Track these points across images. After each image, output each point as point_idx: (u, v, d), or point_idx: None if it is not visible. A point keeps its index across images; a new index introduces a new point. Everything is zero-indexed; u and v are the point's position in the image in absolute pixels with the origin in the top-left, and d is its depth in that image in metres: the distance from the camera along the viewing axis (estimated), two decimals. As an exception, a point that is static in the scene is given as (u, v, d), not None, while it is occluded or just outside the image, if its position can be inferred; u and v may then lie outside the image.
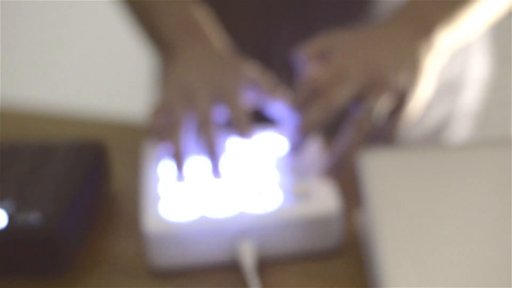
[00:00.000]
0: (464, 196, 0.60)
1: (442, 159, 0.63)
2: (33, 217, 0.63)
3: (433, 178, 0.62)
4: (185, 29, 0.81)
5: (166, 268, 0.65)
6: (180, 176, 0.69)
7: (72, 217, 0.65)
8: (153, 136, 0.73)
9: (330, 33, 0.76)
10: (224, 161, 0.70)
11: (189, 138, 0.71)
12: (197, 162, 0.71)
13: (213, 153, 0.69)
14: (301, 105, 0.71)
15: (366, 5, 0.89)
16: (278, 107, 0.74)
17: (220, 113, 0.72)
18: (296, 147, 0.71)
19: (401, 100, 0.71)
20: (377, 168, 0.62)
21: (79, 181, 0.69)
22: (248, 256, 0.63)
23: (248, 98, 0.74)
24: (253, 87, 0.75)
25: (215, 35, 0.82)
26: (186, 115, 0.72)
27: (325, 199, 0.66)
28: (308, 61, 0.74)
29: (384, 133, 0.72)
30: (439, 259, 0.54)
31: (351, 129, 0.70)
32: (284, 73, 0.85)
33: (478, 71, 1.01)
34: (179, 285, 0.63)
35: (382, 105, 0.70)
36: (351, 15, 0.89)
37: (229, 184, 0.69)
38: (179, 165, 0.69)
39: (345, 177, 0.70)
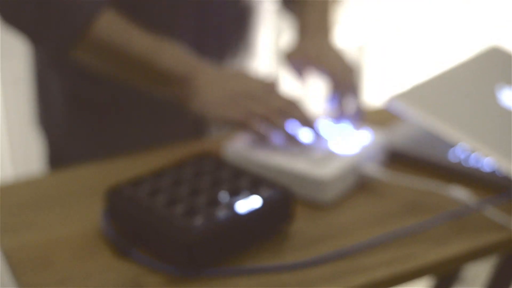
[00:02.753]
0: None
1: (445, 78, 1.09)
2: (269, 192, 0.87)
3: (440, 89, 1.07)
4: (187, 60, 1.06)
5: (334, 199, 0.95)
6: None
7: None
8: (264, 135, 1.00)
9: (293, 47, 1.13)
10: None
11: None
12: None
13: (311, 123, 1.01)
14: (337, 90, 1.08)
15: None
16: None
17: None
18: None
19: None
20: (413, 99, 1.04)
21: (244, 169, 0.93)
22: (376, 170, 0.99)
23: None
24: None
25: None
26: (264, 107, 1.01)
27: (376, 134, 1.05)
28: (297, 64, 1.11)
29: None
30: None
31: (351, 97, 1.08)
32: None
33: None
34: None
35: None
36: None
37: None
38: (294, 140, 0.99)
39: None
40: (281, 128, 1.00)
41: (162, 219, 0.82)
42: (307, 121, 1.02)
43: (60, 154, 1.32)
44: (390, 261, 0.83)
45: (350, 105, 1.09)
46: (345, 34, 2.44)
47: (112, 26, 1.05)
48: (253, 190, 0.87)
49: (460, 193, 0.92)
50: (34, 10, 1.05)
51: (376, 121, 1.17)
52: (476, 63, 1.18)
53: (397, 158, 1.07)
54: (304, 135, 1.01)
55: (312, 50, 1.12)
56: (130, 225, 0.87)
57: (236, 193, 0.86)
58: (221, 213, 0.82)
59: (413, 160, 1.06)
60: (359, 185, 1.00)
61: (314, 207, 0.94)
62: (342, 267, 0.82)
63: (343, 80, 1.08)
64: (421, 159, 1.05)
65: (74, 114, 1.26)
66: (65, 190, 1.00)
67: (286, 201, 0.87)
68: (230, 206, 0.84)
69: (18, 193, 1.00)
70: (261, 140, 1.00)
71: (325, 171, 0.94)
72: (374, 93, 2.45)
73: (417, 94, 1.05)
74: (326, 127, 1.06)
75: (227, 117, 1.01)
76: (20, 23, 1.08)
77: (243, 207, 0.84)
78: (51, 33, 1.05)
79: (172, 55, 1.06)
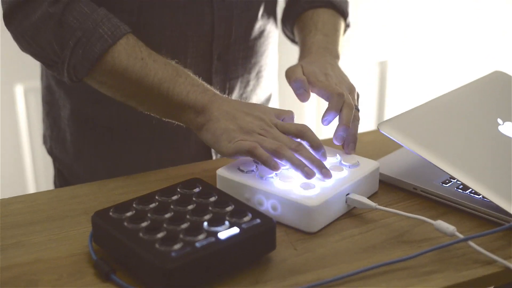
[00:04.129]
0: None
1: (430, 107, 1.08)
2: (251, 221, 0.87)
3: (433, 116, 1.06)
4: (203, 91, 1.06)
5: (319, 228, 0.95)
6: (326, 175, 0.98)
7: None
8: (269, 163, 0.98)
9: (298, 66, 1.13)
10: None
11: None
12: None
13: (321, 166, 0.99)
14: (337, 112, 1.07)
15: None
16: None
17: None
18: (342, 138, 1.06)
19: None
20: (398, 127, 1.03)
21: (231, 197, 0.93)
22: (364, 199, 0.98)
23: None
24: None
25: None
26: (275, 142, 0.99)
27: (368, 162, 1.04)
28: (304, 84, 1.10)
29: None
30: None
31: (352, 115, 1.08)
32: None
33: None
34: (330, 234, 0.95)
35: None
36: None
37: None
38: (307, 170, 0.97)
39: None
40: (288, 159, 0.98)
41: (141, 245, 0.83)
42: (318, 145, 1.01)
43: (66, 174, 1.34)
44: (368, 295, 0.82)
45: (349, 129, 1.08)
46: (367, 49, 2.44)
47: (129, 54, 1.05)
48: (235, 218, 0.87)
49: (445, 226, 0.91)
50: (52, 39, 1.06)
51: (382, 144, 1.16)
52: (476, 88, 1.17)
53: (390, 186, 1.07)
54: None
55: (314, 70, 1.12)
56: (113, 250, 0.88)
57: (219, 221, 0.87)
58: (201, 241, 0.83)
59: (406, 189, 1.05)
60: (349, 213, 1.00)
61: (300, 235, 0.94)
62: (319, 299, 0.82)
63: (346, 102, 1.08)
64: (414, 188, 1.04)
65: (79, 133, 1.27)
66: (59, 210, 1.02)
67: (267, 231, 0.87)
68: (211, 234, 0.84)
69: (11, 211, 1.02)
70: (269, 168, 0.99)
71: (313, 198, 0.94)
72: (395, 110, 2.44)
73: (405, 122, 1.04)
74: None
75: (236, 149, 0.99)
76: (35, 49, 1.09)
77: (223, 235, 0.84)
78: (66, 61, 1.06)
79: (188, 85, 1.06)
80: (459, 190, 1.02)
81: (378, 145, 1.20)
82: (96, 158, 1.28)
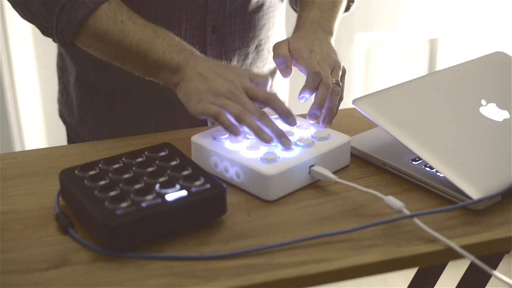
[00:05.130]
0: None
1: (413, 86, 1.09)
2: (201, 186, 0.91)
3: (414, 94, 1.07)
4: (180, 51, 1.10)
5: (277, 197, 0.98)
6: (285, 144, 1.01)
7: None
8: (231, 129, 1.02)
9: (284, 41, 1.15)
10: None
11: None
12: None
13: (281, 135, 1.01)
14: (313, 90, 1.09)
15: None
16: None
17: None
18: (315, 117, 1.08)
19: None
20: (372, 103, 1.05)
21: (192, 162, 0.98)
22: (326, 171, 1.00)
23: None
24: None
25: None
26: (239, 107, 1.02)
27: (339, 136, 1.06)
28: (287, 60, 1.13)
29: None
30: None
31: (328, 94, 1.10)
32: None
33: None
34: (288, 203, 0.98)
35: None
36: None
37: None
38: (265, 136, 1.00)
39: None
40: (248, 125, 1.01)
41: (93, 202, 0.88)
42: (285, 113, 1.04)
43: (74, 137, 1.41)
44: (302, 263, 0.85)
45: (322, 108, 1.10)
46: (417, 26, 2.41)
47: (109, 17, 1.10)
48: (187, 182, 0.92)
49: (394, 202, 0.92)
50: (40, 7, 1.12)
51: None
52: (470, 68, 1.16)
53: (364, 162, 1.09)
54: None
55: (299, 46, 1.14)
56: (73, 206, 0.94)
57: (170, 184, 0.91)
58: (148, 201, 0.88)
59: (376, 165, 1.07)
60: (313, 185, 1.02)
61: (259, 202, 0.98)
62: (253, 264, 0.85)
63: (323, 81, 1.10)
64: (383, 164, 1.06)
65: (84, 98, 1.34)
66: (45, 167, 1.09)
67: (216, 195, 0.91)
68: (159, 195, 0.89)
69: (2, 165, 1.10)
70: (230, 133, 1.03)
71: (272, 167, 0.97)
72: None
73: (382, 98, 1.05)
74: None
75: (202, 111, 1.04)
76: (29, 16, 1.16)
77: (170, 197, 0.89)
78: (54, 27, 1.12)
79: (166, 45, 1.10)
80: (426, 168, 1.03)
81: (367, 121, 1.21)
82: (99, 122, 1.34)
